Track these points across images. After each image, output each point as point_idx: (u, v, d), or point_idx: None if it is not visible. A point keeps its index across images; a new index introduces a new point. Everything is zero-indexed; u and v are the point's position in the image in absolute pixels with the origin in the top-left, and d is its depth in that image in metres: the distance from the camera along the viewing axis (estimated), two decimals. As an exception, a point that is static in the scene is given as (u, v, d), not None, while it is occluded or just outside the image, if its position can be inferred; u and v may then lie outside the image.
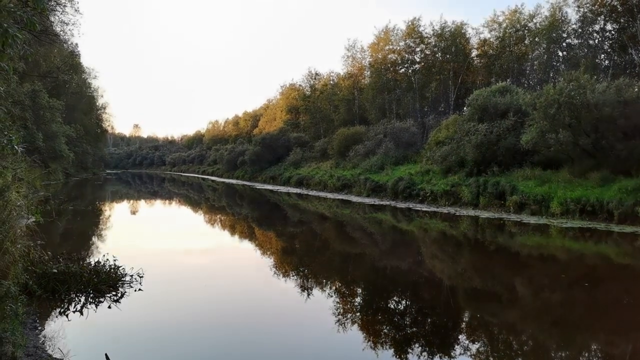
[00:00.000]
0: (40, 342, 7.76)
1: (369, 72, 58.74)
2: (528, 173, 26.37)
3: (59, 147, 52.64)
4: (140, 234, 22.14)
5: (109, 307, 9.63)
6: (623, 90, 24.08)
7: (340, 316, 9.88)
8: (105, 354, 6.98)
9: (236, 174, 72.37)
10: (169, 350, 8.11)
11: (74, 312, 9.31)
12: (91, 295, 10.15)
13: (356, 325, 9.43)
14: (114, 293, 10.35)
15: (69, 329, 8.51)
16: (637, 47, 34.59)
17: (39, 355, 7.03)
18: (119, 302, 9.89)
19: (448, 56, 50.38)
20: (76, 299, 9.94)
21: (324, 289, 12.24)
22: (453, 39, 49.90)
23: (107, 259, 11.25)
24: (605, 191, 21.76)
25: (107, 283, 10.51)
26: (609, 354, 8.21)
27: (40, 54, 33.72)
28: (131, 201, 40.89)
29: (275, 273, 14.09)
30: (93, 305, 9.67)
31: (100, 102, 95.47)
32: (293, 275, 13.73)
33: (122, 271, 11.13)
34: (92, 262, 11.25)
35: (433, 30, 51.35)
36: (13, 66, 22.32)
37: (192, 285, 12.27)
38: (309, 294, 11.67)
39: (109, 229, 23.25)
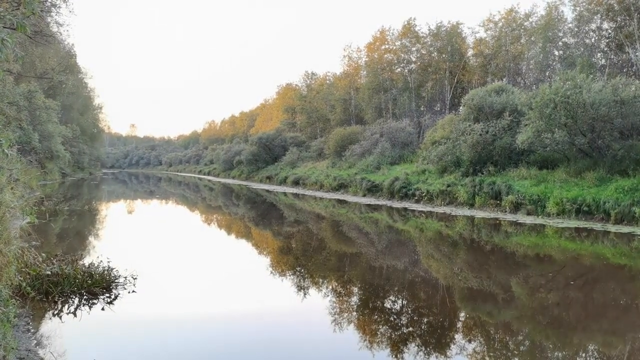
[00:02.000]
0: (33, 344, 7.70)
1: (365, 72, 58.76)
2: (524, 173, 26.36)
3: (55, 147, 52.58)
4: (136, 234, 22.10)
5: (103, 309, 9.58)
6: (619, 89, 24.06)
7: (336, 315, 9.87)
8: (93, 360, 6.95)
9: (232, 173, 72.36)
10: (163, 352, 8.08)
11: (67, 314, 9.26)
12: (85, 297, 10.09)
13: (352, 324, 9.42)
14: (107, 295, 10.30)
15: (62, 331, 8.47)
16: (634, 46, 34.59)
17: (31, 358, 6.98)
18: (113, 304, 9.84)
19: (444, 56, 50.37)
20: (69, 300, 9.88)
21: (320, 288, 12.22)
22: (449, 39, 49.91)
23: (101, 261, 11.19)
24: (601, 191, 21.76)
25: (100, 285, 10.45)
26: (605, 354, 8.19)
27: (36, 55, 33.54)
28: (127, 201, 40.82)
29: (271, 273, 14.05)
30: (86, 307, 9.62)
31: (96, 102, 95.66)
32: (289, 276, 13.70)
33: (115, 273, 11.06)
34: (86, 264, 11.20)
35: (429, 29, 51.42)
36: (8, 67, 22.23)
37: (186, 286, 12.23)
38: (305, 294, 11.65)
39: (105, 229, 23.20)
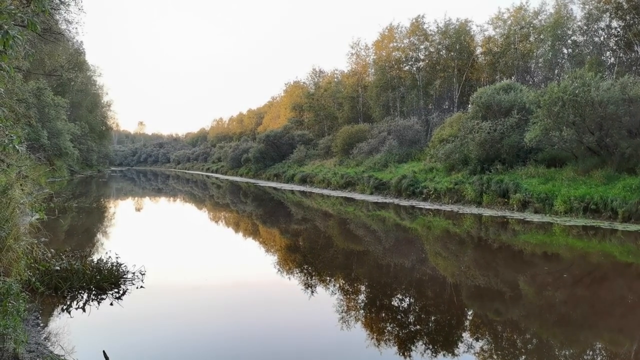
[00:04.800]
0: (42, 338, 7.80)
1: (373, 70, 58.64)
2: (532, 171, 26.31)
3: (64, 145, 52.82)
4: (144, 231, 22.21)
5: (111, 304, 9.67)
6: (628, 87, 23.98)
7: (344, 313, 9.89)
8: (103, 351, 7.00)
9: (240, 171, 72.50)
10: (170, 347, 8.15)
11: (76, 309, 9.36)
12: (93, 292, 10.19)
13: (360, 322, 9.44)
14: (115, 290, 10.40)
15: (71, 326, 8.55)
16: (642, 44, 34.42)
17: (40, 351, 7.06)
18: (121, 299, 9.93)
19: (452, 53, 50.17)
20: (78, 296, 9.98)
21: (328, 286, 12.25)
22: (457, 37, 49.68)
23: (110, 256, 11.29)
24: (609, 189, 21.70)
25: (109, 280, 10.55)
26: (613, 352, 8.20)
27: (45, 52, 33.79)
28: (135, 198, 40.98)
29: (279, 270, 14.12)
30: (95, 302, 9.71)
31: (105, 99, 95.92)
32: (297, 273, 13.74)
33: (124, 268, 11.16)
34: (95, 260, 11.30)
35: (437, 27, 51.16)
36: (17, 65, 22.38)
37: (193, 282, 12.30)
38: (312, 291, 11.69)
39: (113, 226, 23.33)
